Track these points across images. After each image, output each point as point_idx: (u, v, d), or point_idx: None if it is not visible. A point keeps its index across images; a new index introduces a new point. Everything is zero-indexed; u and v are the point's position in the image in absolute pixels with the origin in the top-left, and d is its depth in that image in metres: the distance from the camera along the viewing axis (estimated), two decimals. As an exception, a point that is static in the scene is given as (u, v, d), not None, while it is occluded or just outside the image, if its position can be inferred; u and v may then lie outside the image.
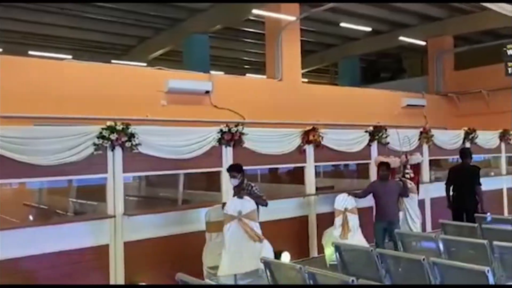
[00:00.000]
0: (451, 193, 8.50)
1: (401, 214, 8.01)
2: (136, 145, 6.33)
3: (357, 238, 7.70)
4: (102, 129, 6.10)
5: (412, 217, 8.30)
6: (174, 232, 6.61)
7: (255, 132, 7.66)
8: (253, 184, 6.46)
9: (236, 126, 7.29)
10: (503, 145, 12.20)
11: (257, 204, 6.20)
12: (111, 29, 16.61)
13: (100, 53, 18.56)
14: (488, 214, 9.82)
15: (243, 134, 7.35)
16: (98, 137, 6.05)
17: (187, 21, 15.85)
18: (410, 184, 8.20)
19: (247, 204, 6.07)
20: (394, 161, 8.64)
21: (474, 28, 16.46)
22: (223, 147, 7.26)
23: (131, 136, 6.27)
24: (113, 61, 18.05)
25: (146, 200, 9.06)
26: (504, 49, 8.61)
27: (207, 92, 11.46)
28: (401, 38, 16.32)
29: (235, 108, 11.72)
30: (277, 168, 10.14)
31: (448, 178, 8.65)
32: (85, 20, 15.32)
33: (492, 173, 12.43)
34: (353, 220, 7.83)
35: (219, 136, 7.17)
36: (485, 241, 5.41)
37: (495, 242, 5.33)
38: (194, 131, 7.03)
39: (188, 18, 15.76)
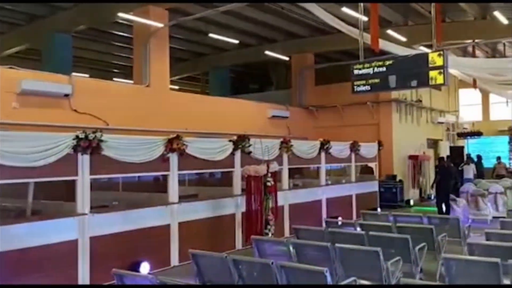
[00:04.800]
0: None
1: None
2: (-26, 151, 5.70)
3: None
4: None
5: None
6: (17, 247, 6.07)
7: (116, 140, 7.40)
8: None
9: (94, 132, 6.96)
10: (353, 155, 13.49)
11: None
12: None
13: None
14: (339, 218, 10.79)
15: (101, 141, 7.04)
16: None
17: (48, 18, 14.76)
18: None
19: None
20: (262, 169, 9.02)
21: (332, 48, 17.96)
22: (79, 154, 6.89)
23: (-32, 141, 5.64)
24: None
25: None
26: (351, 69, 9.53)
27: (67, 95, 10.76)
28: (267, 52, 17.14)
29: (99, 114, 11.19)
30: (140, 177, 9.90)
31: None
32: None
33: (344, 181, 13.66)
34: None
35: (75, 143, 6.78)
36: (328, 244, 5.91)
37: (337, 244, 5.85)
38: (45, 137, 6.54)
39: (49, 15, 14.69)
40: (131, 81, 14.19)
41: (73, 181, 6.91)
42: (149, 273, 6.74)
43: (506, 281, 4.67)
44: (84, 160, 6.94)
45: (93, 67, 20.76)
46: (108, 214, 7.43)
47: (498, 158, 18.95)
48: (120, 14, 12.41)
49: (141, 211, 7.89)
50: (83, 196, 6.92)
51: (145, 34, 12.93)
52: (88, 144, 6.86)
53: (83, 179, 6.94)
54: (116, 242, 7.25)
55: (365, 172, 14.99)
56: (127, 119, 11.60)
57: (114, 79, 20.60)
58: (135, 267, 7.21)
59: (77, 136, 6.79)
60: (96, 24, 14.95)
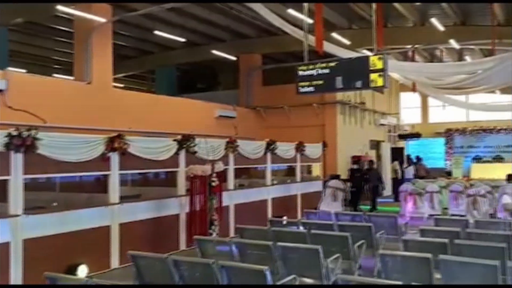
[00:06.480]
0: None
1: None
2: None
3: None
4: None
5: None
6: None
7: (52, 138, 7.09)
8: None
9: (28, 130, 6.63)
10: (298, 156, 13.67)
11: None
12: None
13: None
14: (285, 217, 10.90)
15: (36, 139, 6.72)
16: None
17: (-18, 9, 13.96)
18: None
19: None
20: (207, 169, 8.94)
21: (279, 49, 18.15)
22: (12, 153, 6.54)
23: None
24: None
25: None
26: (296, 70, 9.66)
27: (1, 91, 10.21)
28: (214, 51, 17.04)
29: (37, 111, 10.69)
30: (82, 177, 9.53)
31: None
32: None
33: (289, 180, 13.82)
34: None
35: (7, 141, 6.43)
36: (271, 243, 5.94)
37: (278, 243, 5.89)
38: (-26, 134, 6.17)
39: (-17, 7, 13.89)
40: (72, 78, 13.67)
41: (5, 181, 6.55)
42: (86, 276, 6.50)
43: (437, 275, 4.88)
44: (17, 159, 6.59)
45: (32, 63, 19.86)
46: (43, 215, 7.09)
47: (418, 158, 19.67)
48: (59, 8, 11.91)
49: (79, 212, 7.60)
50: (16, 197, 6.57)
51: (86, 29, 12.50)
52: (21, 142, 6.53)
53: (16, 178, 6.59)
54: (52, 244, 6.94)
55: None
56: (67, 117, 11.17)
57: (54, 75, 19.78)
58: (73, 270, 6.94)
59: (9, 134, 6.45)
60: (35, 17, 14.30)
